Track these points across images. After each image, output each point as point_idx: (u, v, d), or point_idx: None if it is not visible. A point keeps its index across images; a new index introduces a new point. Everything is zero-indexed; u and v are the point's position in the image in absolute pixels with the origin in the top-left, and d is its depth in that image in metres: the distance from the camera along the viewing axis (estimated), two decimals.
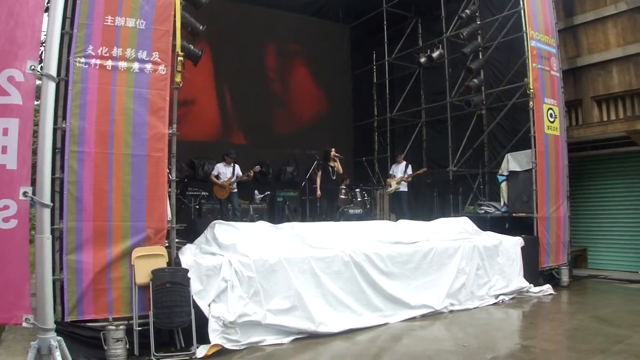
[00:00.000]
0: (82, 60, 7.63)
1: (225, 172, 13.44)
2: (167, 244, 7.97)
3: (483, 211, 14.54)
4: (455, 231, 11.89)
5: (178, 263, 8.02)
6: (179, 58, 8.32)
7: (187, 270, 7.80)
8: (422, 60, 16.90)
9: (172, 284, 7.51)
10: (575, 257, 14.35)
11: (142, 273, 7.53)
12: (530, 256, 12.00)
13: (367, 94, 20.47)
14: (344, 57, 20.19)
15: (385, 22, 18.04)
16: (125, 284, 7.56)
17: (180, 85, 8.34)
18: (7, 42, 7.06)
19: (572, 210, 13.78)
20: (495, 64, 15.50)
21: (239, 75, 16.85)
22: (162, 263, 7.70)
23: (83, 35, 7.67)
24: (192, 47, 10.06)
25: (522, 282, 11.52)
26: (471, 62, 15.12)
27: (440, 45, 16.40)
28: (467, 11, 15.12)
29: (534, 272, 12.01)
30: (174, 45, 8.18)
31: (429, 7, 17.10)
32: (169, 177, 8.08)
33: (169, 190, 8.10)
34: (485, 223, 13.37)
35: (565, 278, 12.69)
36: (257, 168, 14.24)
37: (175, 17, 8.24)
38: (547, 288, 11.83)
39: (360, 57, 20.45)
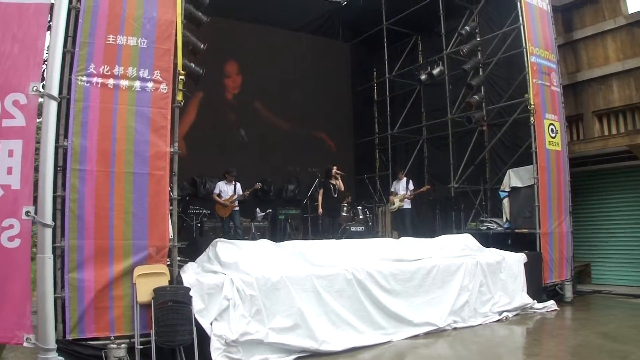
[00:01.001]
0: (84, 78, 7.62)
1: (227, 190, 13.35)
2: (168, 262, 7.91)
3: (485, 227, 14.39)
4: (457, 248, 11.78)
5: (180, 281, 7.93)
6: (180, 77, 8.27)
7: (188, 289, 7.74)
8: (423, 77, 16.80)
9: (174, 303, 7.43)
10: (578, 272, 14.23)
11: (144, 291, 7.46)
12: (533, 272, 11.89)
13: (368, 112, 20.37)
14: (344, 75, 20.19)
15: (385, 40, 18.03)
16: (127, 302, 7.50)
17: (182, 103, 8.30)
18: (12, 67, 7.21)
19: (575, 225, 13.66)
20: (495, 80, 15.45)
21: (239, 92, 16.90)
22: (164, 281, 7.63)
23: (85, 54, 7.68)
24: (193, 66, 10.09)
25: (525, 299, 11.42)
26: (471, 79, 15.11)
27: (441, 62, 16.36)
28: (467, 28, 15.13)
29: (537, 288, 11.91)
30: (175, 64, 8.16)
31: (429, 25, 16.97)
32: (170, 196, 8.02)
33: (171, 208, 8.03)
34: (488, 239, 13.27)
35: (568, 294, 12.57)
36: (258, 185, 14.21)
37: (176, 35, 8.23)
38: (551, 304, 11.73)
39: (360, 75, 20.39)
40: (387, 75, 18.65)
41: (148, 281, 7.51)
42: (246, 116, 17.35)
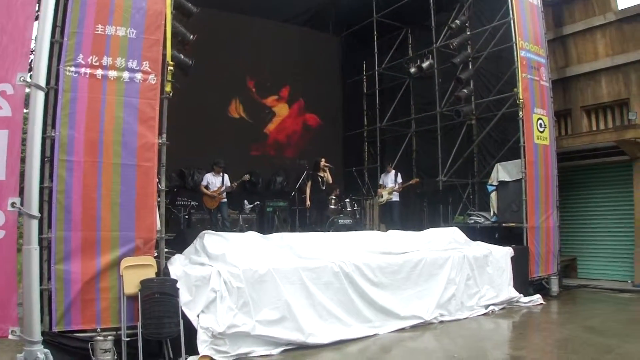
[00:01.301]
0: (72, 69, 7.56)
1: (215, 181, 13.29)
2: (156, 254, 7.88)
3: (473, 221, 14.49)
4: (445, 241, 11.83)
5: (167, 273, 7.91)
6: (169, 67, 8.23)
7: (175, 281, 7.72)
8: (412, 70, 16.84)
9: (160, 295, 7.42)
10: (564, 266, 14.28)
11: (131, 283, 7.42)
12: (520, 266, 11.97)
13: (357, 104, 20.27)
14: (334, 68, 20.12)
15: (375, 33, 17.94)
16: (114, 294, 7.47)
17: (170, 95, 8.25)
18: (0, 58, 7.14)
19: (562, 219, 13.73)
20: (485, 74, 15.46)
21: (227, 84, 16.89)
22: (151, 273, 7.59)
23: (73, 44, 7.61)
24: (182, 57, 10.03)
25: (512, 292, 11.48)
26: (461, 72, 15.06)
27: (430, 56, 16.30)
28: (457, 21, 15.10)
29: (523, 282, 11.98)
30: (164, 55, 8.13)
31: (420, 18, 16.91)
32: (158, 187, 7.97)
33: (159, 200, 7.97)
34: (475, 233, 13.30)
35: (555, 288, 12.66)
36: (246, 177, 14.15)
37: (165, 26, 8.20)
38: (537, 298, 11.80)
39: (350, 67, 20.32)
40: (376, 68, 18.55)
41: (135, 273, 7.47)
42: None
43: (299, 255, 9.56)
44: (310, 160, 15.10)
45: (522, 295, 11.60)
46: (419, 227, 13.37)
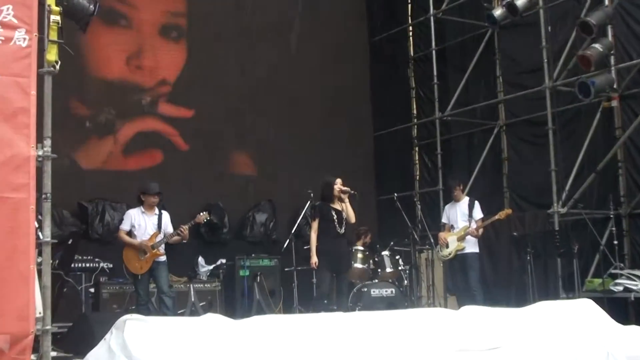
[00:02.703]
0: None
1: (144, 224, 10.34)
2: None
3: (622, 288, 10.89)
4: (568, 326, 8.22)
5: None
6: (54, 17, 6.27)
7: None
8: (497, 13, 12.32)
9: None
10: None
11: None
12: None
13: (396, 80, 15.76)
14: (353, 15, 15.72)
15: None
16: None
17: (57, 67, 6.30)
18: None
19: None
20: (635, 15, 11.45)
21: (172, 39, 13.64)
22: None
23: None
24: None
25: None
26: (589, 14, 11.03)
27: None
28: None
29: None
30: None
31: None
32: (38, 237, 6.14)
33: (39, 260, 6.19)
34: (627, 310, 10.64)
35: None
36: (203, 216, 10.61)
37: None
38: None
39: (382, 13, 15.80)
40: (431, 11, 13.87)
41: None
42: (184, 94, 13.38)
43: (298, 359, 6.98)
44: (315, 182, 11.23)
45: None
46: (517, 299, 11.29)
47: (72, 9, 7.44)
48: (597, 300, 8.90)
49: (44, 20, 6.36)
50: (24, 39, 6.15)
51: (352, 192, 10.23)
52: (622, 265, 11.32)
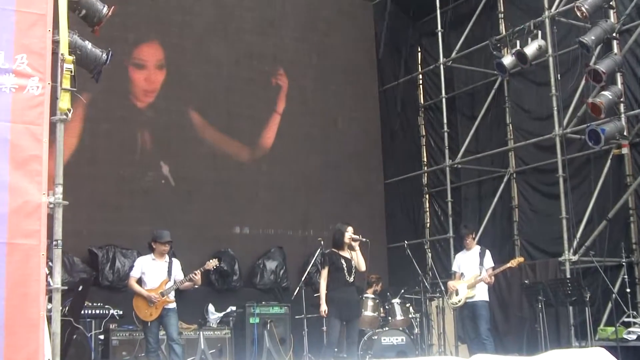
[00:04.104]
0: None
1: (154, 271, 10.32)
2: None
3: (635, 336, 10.76)
4: None
5: None
6: (67, 66, 6.35)
7: None
8: (507, 61, 12.43)
9: None
10: None
11: None
12: None
13: (406, 127, 16.03)
14: (364, 63, 15.75)
15: None
16: None
17: (70, 115, 6.39)
18: None
19: None
20: None
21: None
22: None
23: None
24: (90, 46, 7.69)
25: None
26: (598, 61, 11.15)
27: (539, 32, 12.14)
28: None
29: None
30: (56, 43, 6.39)
31: None
32: (48, 284, 6.28)
33: (49, 307, 6.32)
34: None
35: None
36: (213, 263, 10.79)
37: None
38: None
39: (392, 60, 15.91)
40: (441, 59, 13.93)
41: None
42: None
43: None
44: (327, 229, 12.34)
45: None
46: (528, 348, 11.55)
47: (85, 57, 7.57)
48: (610, 349, 8.44)
49: (57, 68, 6.49)
50: (37, 87, 6.27)
51: (364, 239, 10.30)
52: (634, 313, 11.21)
